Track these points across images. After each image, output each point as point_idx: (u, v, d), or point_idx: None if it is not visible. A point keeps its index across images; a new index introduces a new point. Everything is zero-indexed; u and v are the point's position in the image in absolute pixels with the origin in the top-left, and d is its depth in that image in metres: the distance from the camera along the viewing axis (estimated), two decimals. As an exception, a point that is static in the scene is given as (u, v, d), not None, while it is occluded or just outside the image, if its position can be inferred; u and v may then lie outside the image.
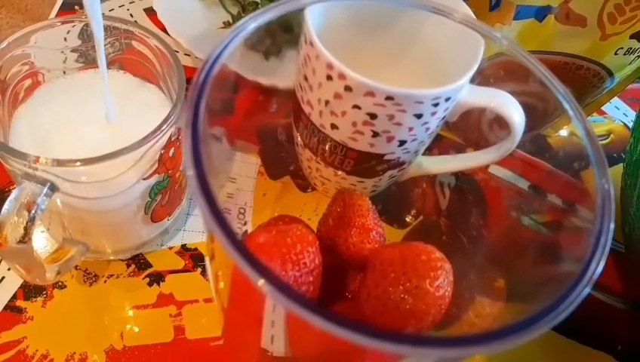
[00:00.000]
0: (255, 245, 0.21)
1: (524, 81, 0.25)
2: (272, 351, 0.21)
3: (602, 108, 0.49)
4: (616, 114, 0.49)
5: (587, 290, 0.14)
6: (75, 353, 0.29)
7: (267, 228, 0.22)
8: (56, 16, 0.45)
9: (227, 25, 0.44)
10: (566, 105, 0.20)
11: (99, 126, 0.28)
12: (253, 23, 0.19)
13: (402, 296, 0.21)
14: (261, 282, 0.13)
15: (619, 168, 0.40)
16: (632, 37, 0.33)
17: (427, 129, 0.28)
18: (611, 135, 0.47)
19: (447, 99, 0.26)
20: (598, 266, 0.14)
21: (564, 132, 0.46)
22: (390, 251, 0.22)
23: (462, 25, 0.24)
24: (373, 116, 0.26)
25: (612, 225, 0.15)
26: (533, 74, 0.22)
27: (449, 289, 0.22)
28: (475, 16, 0.29)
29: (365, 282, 0.23)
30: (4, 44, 0.27)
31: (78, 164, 0.23)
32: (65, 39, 0.31)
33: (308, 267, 0.21)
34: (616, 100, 0.50)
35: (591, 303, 0.37)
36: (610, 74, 0.36)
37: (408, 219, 0.36)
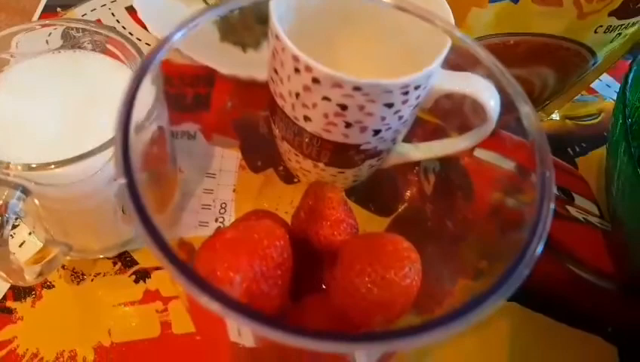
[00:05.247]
0: (222, 241, 0.22)
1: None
2: (242, 343, 0.22)
3: (593, 86, 0.48)
4: (608, 92, 0.49)
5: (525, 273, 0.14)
6: (64, 351, 0.30)
7: (235, 224, 0.22)
8: (39, 18, 0.45)
9: (209, 19, 0.44)
10: (516, 97, 0.20)
11: (66, 118, 0.27)
12: (180, 31, 0.19)
13: (368, 286, 0.21)
14: (204, 300, 0.13)
15: (607, 147, 0.40)
16: (610, 14, 0.32)
17: (400, 117, 0.28)
18: (602, 114, 0.47)
19: (417, 87, 0.26)
20: (535, 252, 0.14)
21: (555, 116, 0.46)
22: (358, 242, 0.22)
23: (419, 19, 0.24)
24: (343, 107, 0.26)
25: (550, 213, 0.15)
26: (483, 66, 0.22)
27: (416, 278, 0.22)
28: (445, 2, 0.29)
29: (334, 274, 0.23)
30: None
31: (52, 167, 0.24)
32: (47, 42, 0.31)
33: (275, 261, 0.22)
34: (607, 78, 0.50)
35: (581, 285, 0.37)
36: (593, 53, 0.35)
37: (392, 206, 0.36)
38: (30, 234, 0.33)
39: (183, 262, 0.13)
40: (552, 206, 0.15)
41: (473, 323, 0.13)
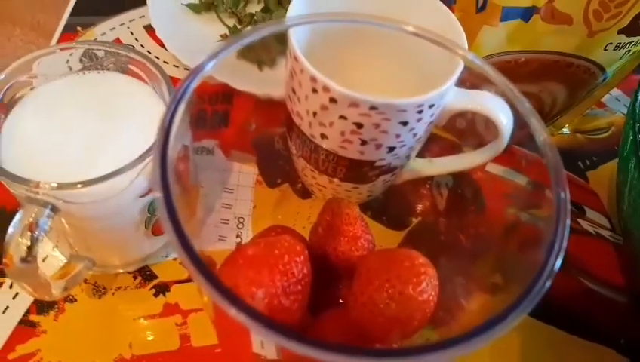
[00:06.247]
0: (244, 258, 0.22)
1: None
2: (264, 355, 0.22)
3: (603, 100, 0.49)
4: (617, 106, 0.49)
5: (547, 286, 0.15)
6: (86, 363, 0.31)
7: (256, 241, 0.23)
8: (60, 37, 0.46)
9: (224, 37, 0.45)
10: (527, 115, 0.21)
11: (91, 137, 0.28)
12: (212, 61, 0.20)
13: (386, 302, 0.22)
14: (233, 312, 0.14)
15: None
16: (620, 32, 0.33)
17: (414, 135, 0.29)
18: (612, 128, 0.47)
19: (431, 106, 0.27)
20: (553, 269, 0.15)
21: (566, 130, 0.47)
22: (375, 258, 0.23)
23: (431, 42, 0.24)
24: (359, 125, 0.27)
25: (567, 230, 0.15)
26: (495, 86, 0.23)
27: (433, 293, 0.22)
28: (457, 22, 0.29)
29: (352, 289, 0.23)
30: (5, 73, 0.28)
31: (79, 186, 0.25)
32: (67, 61, 0.32)
33: (296, 277, 0.22)
34: (617, 92, 0.50)
35: (593, 297, 0.37)
36: (602, 69, 0.36)
37: (406, 221, 0.37)
38: (53, 249, 0.34)
39: (214, 274, 0.14)
40: (568, 223, 0.15)
41: (496, 338, 0.13)
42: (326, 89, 0.26)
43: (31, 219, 0.24)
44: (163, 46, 0.43)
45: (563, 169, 0.17)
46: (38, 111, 0.29)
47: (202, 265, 0.14)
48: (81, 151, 0.27)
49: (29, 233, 0.24)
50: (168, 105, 0.17)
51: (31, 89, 0.30)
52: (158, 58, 0.44)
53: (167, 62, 0.45)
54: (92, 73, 0.31)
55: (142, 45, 0.46)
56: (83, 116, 0.29)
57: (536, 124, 0.19)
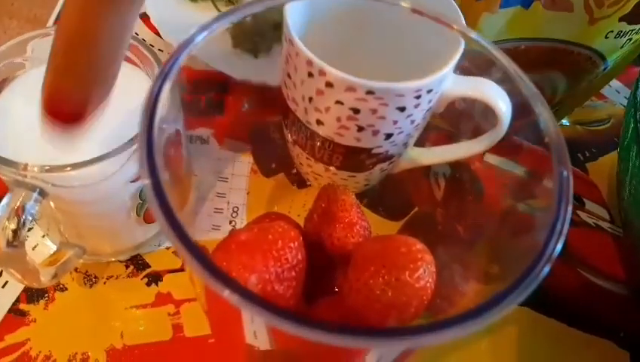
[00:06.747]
0: (237, 243, 0.22)
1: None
2: (257, 345, 0.22)
3: (602, 92, 0.48)
4: (617, 98, 0.49)
5: (544, 273, 0.14)
6: (76, 353, 0.30)
7: (249, 226, 0.23)
8: (54, 23, 0.46)
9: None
10: (532, 99, 0.20)
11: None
12: (199, 35, 0.19)
13: (382, 288, 0.21)
14: (226, 293, 0.13)
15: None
16: (621, 19, 0.32)
17: (412, 121, 0.28)
18: (612, 119, 0.47)
19: (429, 91, 0.26)
20: (552, 255, 0.14)
21: (565, 121, 0.46)
22: (371, 244, 0.23)
23: (434, 21, 0.24)
24: (356, 111, 0.26)
25: (569, 213, 0.15)
26: (498, 68, 0.22)
27: (430, 280, 0.22)
28: (457, 7, 0.29)
29: (347, 276, 0.23)
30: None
31: (68, 169, 0.24)
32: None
33: (290, 263, 0.22)
34: (616, 84, 0.50)
35: (592, 290, 0.37)
36: (603, 58, 0.35)
37: (403, 210, 0.36)
38: (43, 236, 0.34)
39: (206, 255, 0.14)
40: (571, 205, 0.15)
41: (492, 321, 0.13)
42: (322, 73, 0.25)
43: (18, 203, 0.23)
44: (158, 34, 0.43)
45: (566, 148, 0.16)
46: (28, 94, 0.28)
47: (192, 244, 0.14)
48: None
49: (15, 217, 0.23)
50: (155, 80, 0.16)
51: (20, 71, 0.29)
52: (152, 46, 0.44)
53: (161, 50, 0.44)
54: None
55: (136, 33, 0.46)
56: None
57: (539, 105, 0.19)
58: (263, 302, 0.13)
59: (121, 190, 0.27)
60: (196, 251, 0.14)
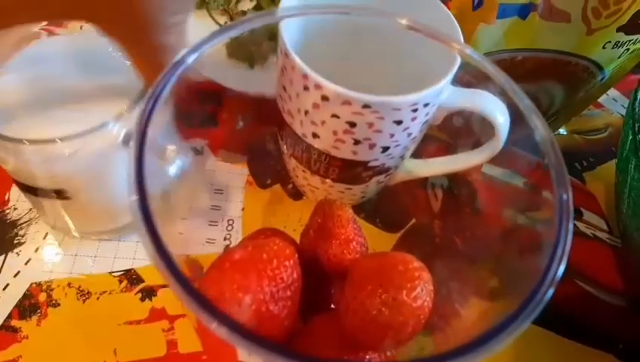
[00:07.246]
0: (231, 261, 0.21)
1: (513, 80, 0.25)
2: (251, 364, 0.21)
3: (600, 101, 0.48)
4: (615, 106, 0.48)
5: (550, 293, 0.14)
6: (69, 370, 0.30)
7: (244, 243, 0.22)
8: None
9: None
10: (528, 113, 0.20)
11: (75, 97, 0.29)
12: (193, 54, 0.19)
13: (379, 308, 0.21)
14: (214, 326, 0.13)
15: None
16: (618, 30, 0.32)
17: (409, 134, 0.28)
18: (609, 128, 0.47)
19: (427, 105, 0.26)
20: (555, 275, 0.14)
21: (562, 130, 0.46)
22: (368, 262, 0.22)
23: (429, 38, 0.23)
24: (352, 124, 0.26)
25: (570, 235, 0.14)
26: (494, 82, 0.22)
27: (428, 298, 0.21)
28: (454, 20, 0.28)
29: (344, 294, 0.22)
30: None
31: (58, 141, 0.24)
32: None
33: (285, 282, 0.21)
34: (614, 93, 0.49)
35: (590, 301, 0.36)
36: (600, 68, 0.35)
37: (400, 223, 0.36)
38: (44, 238, 0.34)
39: (193, 286, 0.13)
40: (571, 227, 0.14)
41: (494, 352, 0.13)
42: (318, 86, 0.25)
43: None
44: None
45: (565, 169, 0.16)
46: (21, 71, 0.29)
47: (178, 274, 0.13)
48: (63, 111, 0.27)
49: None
50: (145, 102, 0.16)
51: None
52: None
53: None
54: (76, 35, 0.32)
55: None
56: (66, 76, 0.29)
57: (536, 121, 0.18)
58: (252, 336, 0.12)
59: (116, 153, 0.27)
60: (181, 278, 0.13)
